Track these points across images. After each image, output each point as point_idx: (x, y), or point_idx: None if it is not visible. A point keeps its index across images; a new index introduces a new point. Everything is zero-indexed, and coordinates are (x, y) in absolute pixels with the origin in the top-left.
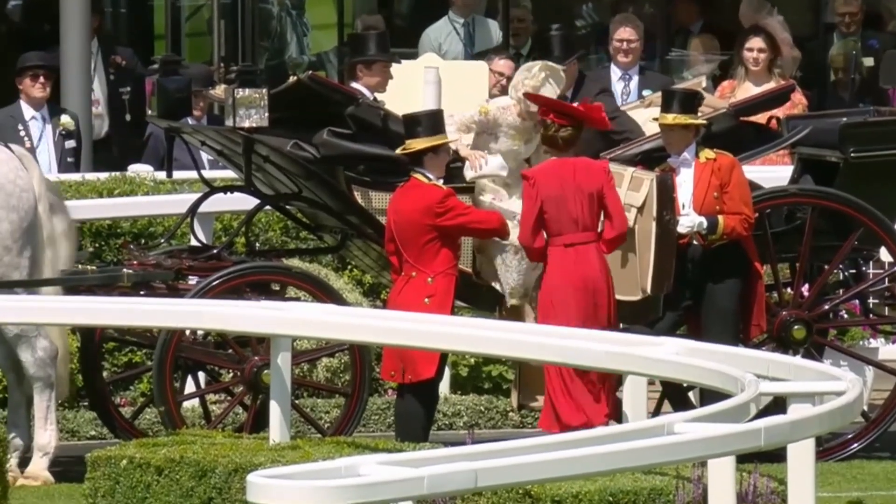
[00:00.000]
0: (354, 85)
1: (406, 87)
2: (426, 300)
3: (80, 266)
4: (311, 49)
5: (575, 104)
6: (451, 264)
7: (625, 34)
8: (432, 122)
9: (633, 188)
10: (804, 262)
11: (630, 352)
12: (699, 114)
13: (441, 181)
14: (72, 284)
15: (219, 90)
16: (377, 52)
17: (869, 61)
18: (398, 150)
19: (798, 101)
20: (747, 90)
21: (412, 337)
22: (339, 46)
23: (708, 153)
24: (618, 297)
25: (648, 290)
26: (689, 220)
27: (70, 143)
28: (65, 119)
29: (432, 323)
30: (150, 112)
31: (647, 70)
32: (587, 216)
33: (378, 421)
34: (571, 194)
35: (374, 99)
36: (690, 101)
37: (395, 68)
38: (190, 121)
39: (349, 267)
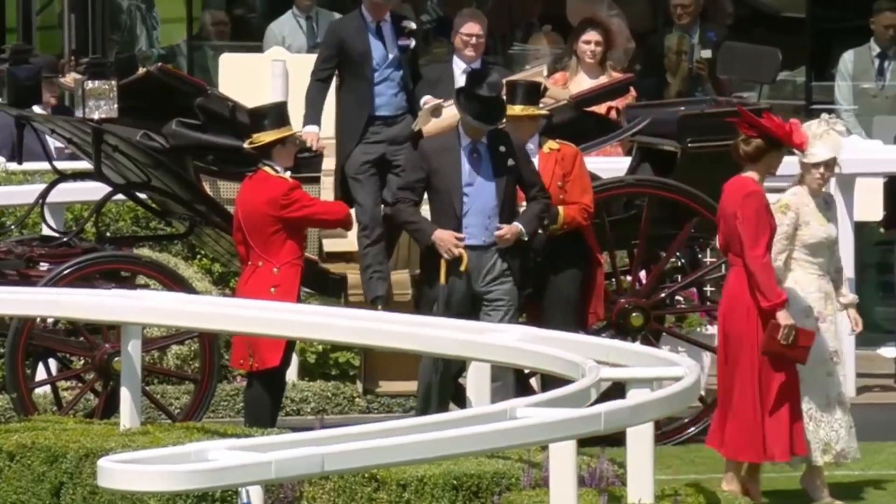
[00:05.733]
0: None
1: (254, 80)
2: (272, 290)
3: None
4: (160, 42)
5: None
6: (296, 255)
7: (471, 29)
8: (278, 114)
9: None
10: (641, 251)
11: (474, 339)
12: (542, 104)
13: (288, 173)
14: None
15: (68, 78)
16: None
17: (707, 53)
18: (245, 144)
19: (629, 93)
20: (580, 82)
21: (260, 325)
22: (188, 39)
23: (552, 144)
24: None
25: None
26: None
27: None
28: None
29: (280, 311)
30: (0, 101)
31: (490, 64)
32: (727, 237)
33: (227, 407)
34: (723, 213)
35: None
36: (535, 92)
37: (242, 61)
38: (38, 109)
39: (199, 256)
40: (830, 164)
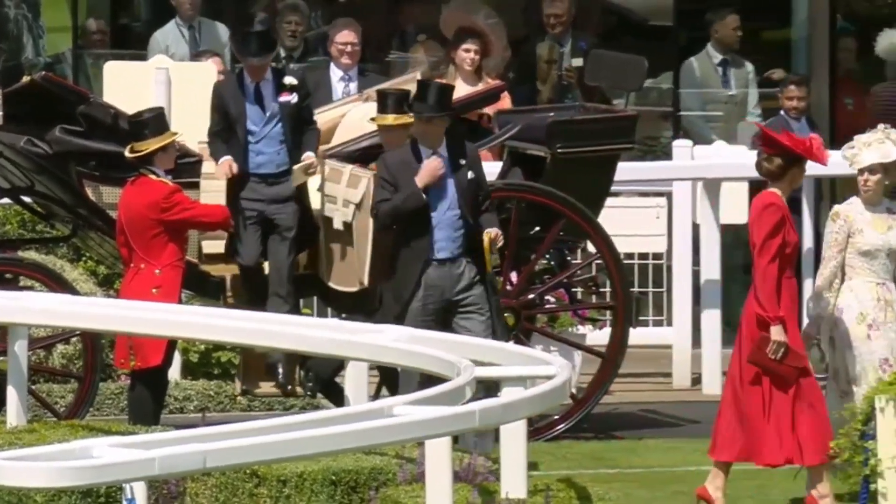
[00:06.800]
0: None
1: (138, 88)
2: (154, 291)
3: None
4: (46, 50)
5: (784, 136)
6: (178, 257)
7: (347, 37)
8: (157, 121)
9: (351, 185)
10: (511, 253)
11: (353, 339)
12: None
13: (170, 177)
14: None
15: None
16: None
17: (578, 61)
18: (126, 152)
19: (503, 97)
20: (457, 90)
21: (142, 325)
22: (73, 48)
23: None
24: (338, 288)
25: (366, 282)
26: None
27: None
28: None
29: (161, 311)
30: None
31: (367, 72)
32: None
33: (112, 405)
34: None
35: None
36: (405, 101)
37: (126, 69)
38: None
39: (84, 258)
40: (876, 171)
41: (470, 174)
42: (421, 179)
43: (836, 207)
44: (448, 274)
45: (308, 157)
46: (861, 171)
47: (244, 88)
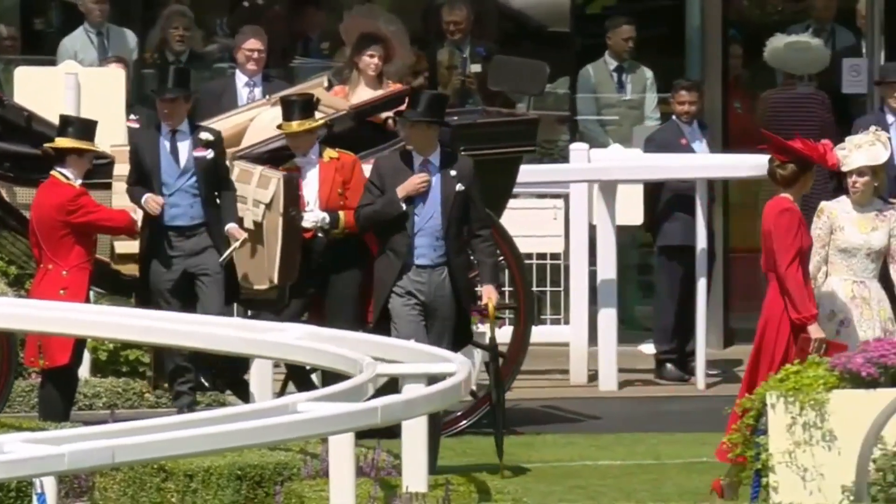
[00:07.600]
0: None
1: (48, 92)
2: (61, 292)
3: None
4: None
5: (796, 142)
6: (85, 258)
7: (253, 44)
8: (83, 127)
9: (261, 186)
10: None
11: (257, 337)
12: (321, 114)
13: (79, 181)
14: None
15: None
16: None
17: (476, 67)
18: (46, 144)
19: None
20: (360, 94)
21: (56, 324)
22: None
23: (331, 153)
24: (248, 286)
25: (275, 280)
26: (313, 216)
27: None
28: None
29: (74, 311)
30: None
31: (271, 78)
32: (767, 253)
33: (23, 402)
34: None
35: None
36: (309, 106)
37: (36, 74)
38: None
39: None
40: (865, 173)
41: (459, 186)
42: (402, 190)
43: (823, 204)
44: (427, 280)
45: (234, 231)
46: (850, 174)
47: (160, 140)
